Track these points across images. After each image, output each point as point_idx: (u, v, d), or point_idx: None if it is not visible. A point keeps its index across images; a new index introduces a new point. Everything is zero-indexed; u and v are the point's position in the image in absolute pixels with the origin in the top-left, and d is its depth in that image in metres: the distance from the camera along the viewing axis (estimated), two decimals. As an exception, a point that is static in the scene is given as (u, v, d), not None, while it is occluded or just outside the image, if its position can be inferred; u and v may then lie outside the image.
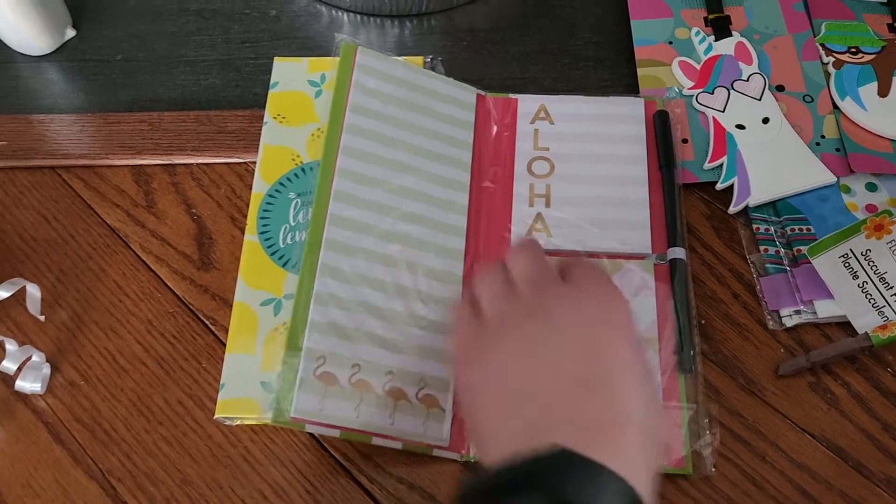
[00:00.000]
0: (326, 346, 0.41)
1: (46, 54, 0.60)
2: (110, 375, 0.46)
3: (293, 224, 0.49)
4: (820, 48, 0.55)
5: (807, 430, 0.43)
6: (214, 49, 0.60)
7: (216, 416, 0.43)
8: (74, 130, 0.56)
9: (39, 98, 0.58)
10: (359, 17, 0.62)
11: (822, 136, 0.52)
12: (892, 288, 0.44)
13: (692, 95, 0.54)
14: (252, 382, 0.44)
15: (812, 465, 0.42)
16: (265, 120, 0.53)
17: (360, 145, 0.48)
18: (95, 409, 0.45)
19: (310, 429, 0.40)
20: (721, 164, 0.51)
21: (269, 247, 0.48)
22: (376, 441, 0.41)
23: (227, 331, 0.46)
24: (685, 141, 0.53)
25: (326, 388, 0.40)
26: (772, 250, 0.48)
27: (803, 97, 0.53)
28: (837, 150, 0.51)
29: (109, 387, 0.46)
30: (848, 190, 0.50)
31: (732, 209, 0.50)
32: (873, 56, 0.55)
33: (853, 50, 0.55)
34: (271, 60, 0.57)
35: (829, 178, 0.50)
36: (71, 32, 0.61)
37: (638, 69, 0.56)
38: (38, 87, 0.59)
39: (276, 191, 0.50)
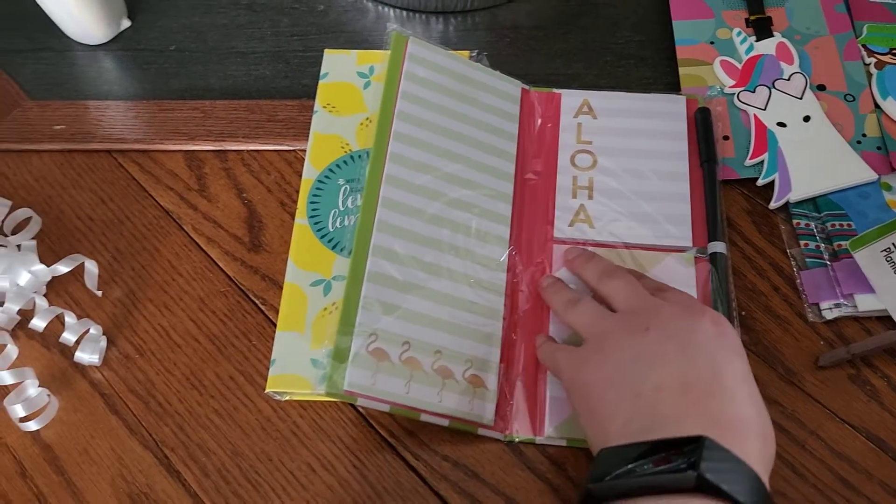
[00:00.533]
0: (379, 324, 0.42)
1: (103, 43, 0.62)
2: (164, 350, 0.47)
3: (342, 209, 0.50)
4: (862, 49, 0.56)
5: (846, 420, 0.44)
6: (264, 41, 0.62)
7: (266, 391, 0.44)
8: (129, 116, 0.58)
9: (96, 85, 0.60)
10: (405, 13, 0.64)
11: (864, 135, 0.52)
12: (933, 283, 0.45)
13: (734, 94, 0.55)
14: (302, 359, 0.45)
15: (852, 454, 0.43)
16: (315, 109, 0.55)
17: (411, 132, 0.49)
18: (150, 381, 0.46)
19: (361, 402, 0.41)
20: (762, 161, 0.52)
21: (319, 230, 0.50)
22: (424, 418, 0.42)
23: (276, 311, 0.47)
24: (726, 138, 0.53)
25: (378, 364, 0.41)
26: (812, 245, 0.49)
27: (844, 96, 0.54)
28: (879, 148, 0.52)
29: (163, 361, 0.47)
30: (889, 188, 0.50)
31: (773, 205, 0.51)
32: (915, 58, 0.55)
33: (895, 51, 0.56)
34: (319, 53, 0.59)
35: (871, 175, 0.50)
36: (126, 23, 0.63)
37: (679, 68, 0.57)
38: (94, 75, 0.61)
39: (326, 177, 0.52)
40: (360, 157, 0.52)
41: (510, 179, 0.51)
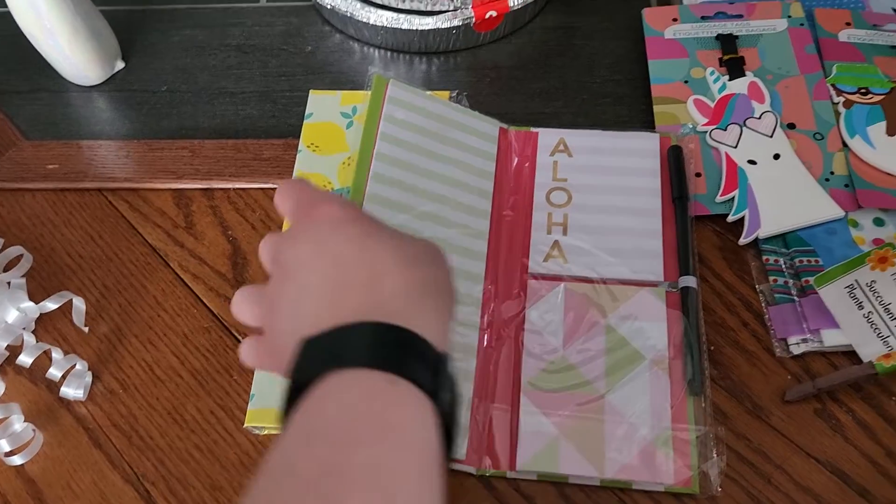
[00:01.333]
0: None
1: (97, 84, 0.64)
2: (147, 385, 0.49)
3: None
4: (831, 88, 0.58)
5: (812, 454, 0.44)
6: (253, 82, 0.64)
7: (246, 426, 0.46)
8: (121, 155, 0.59)
9: (89, 125, 0.62)
10: (389, 53, 0.66)
11: (832, 173, 0.54)
12: (896, 318, 0.46)
13: (706, 132, 0.56)
14: (280, 393, 0.46)
15: (816, 489, 0.43)
16: (300, 148, 0.56)
17: (389, 172, 0.51)
18: (133, 416, 0.48)
19: None
20: (732, 198, 0.53)
21: None
22: None
23: (257, 346, 0.49)
24: (698, 175, 0.55)
25: None
26: (780, 280, 0.50)
27: (814, 135, 0.56)
28: (846, 185, 0.53)
29: (146, 396, 0.48)
30: (856, 224, 0.52)
31: (743, 241, 0.52)
32: (882, 97, 0.57)
33: (863, 91, 0.57)
34: (306, 93, 0.61)
35: (838, 212, 0.51)
36: (120, 64, 0.65)
37: (654, 106, 0.59)
38: (88, 115, 0.63)
39: None
40: (341, 195, 0.54)
41: (486, 217, 0.52)
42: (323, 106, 0.59)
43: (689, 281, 0.49)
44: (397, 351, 0.28)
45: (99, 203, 0.57)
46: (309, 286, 0.32)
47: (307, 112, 0.58)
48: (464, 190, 0.52)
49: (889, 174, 0.53)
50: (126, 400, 0.48)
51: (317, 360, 0.29)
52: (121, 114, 0.63)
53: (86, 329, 0.50)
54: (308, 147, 0.56)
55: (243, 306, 0.35)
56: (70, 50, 0.61)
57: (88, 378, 0.48)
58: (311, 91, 0.59)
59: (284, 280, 0.33)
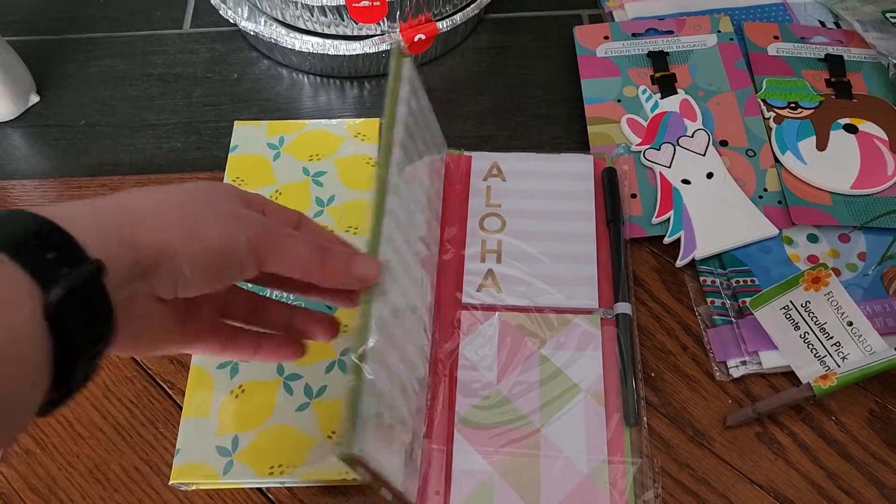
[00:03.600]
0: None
1: (10, 120, 0.61)
2: (66, 443, 0.46)
3: (251, 286, 0.50)
4: (761, 104, 0.58)
5: (755, 480, 0.44)
6: (176, 112, 0.62)
7: (171, 482, 0.43)
8: (36, 196, 0.56)
9: (2, 164, 0.59)
10: (319, 78, 0.64)
11: (765, 190, 0.54)
12: (832, 338, 0.46)
13: (640, 151, 0.56)
14: (207, 446, 0.44)
15: (760, 515, 0.43)
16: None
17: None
18: (51, 477, 0.45)
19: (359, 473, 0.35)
20: (668, 219, 0.52)
21: None
22: (383, 492, 0.38)
23: (184, 394, 0.46)
24: (634, 196, 0.54)
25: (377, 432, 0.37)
26: (718, 302, 0.50)
27: (746, 152, 0.55)
28: (779, 202, 0.53)
29: (66, 454, 0.46)
30: (790, 241, 0.52)
31: (679, 262, 0.51)
32: (811, 111, 0.57)
33: (793, 105, 0.57)
34: (232, 123, 0.59)
35: (772, 230, 0.51)
36: (35, 98, 0.62)
37: (588, 127, 0.58)
38: (1, 154, 0.59)
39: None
40: None
41: (437, 243, 0.51)
42: (249, 137, 0.57)
43: (624, 307, 0.48)
44: (29, 239, 0.26)
45: (13, 248, 0.54)
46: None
47: (232, 144, 0.56)
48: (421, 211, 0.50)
49: (820, 189, 0.53)
50: (44, 460, 0.45)
51: None
52: (36, 151, 0.60)
53: (-2, 386, 0.47)
54: (234, 181, 0.54)
55: None
56: (-22, 86, 0.58)
57: (1, 439, 0.45)
58: (235, 122, 0.57)
59: None
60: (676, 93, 0.58)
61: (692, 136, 0.56)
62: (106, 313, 0.28)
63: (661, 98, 0.58)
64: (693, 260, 0.51)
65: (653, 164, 0.55)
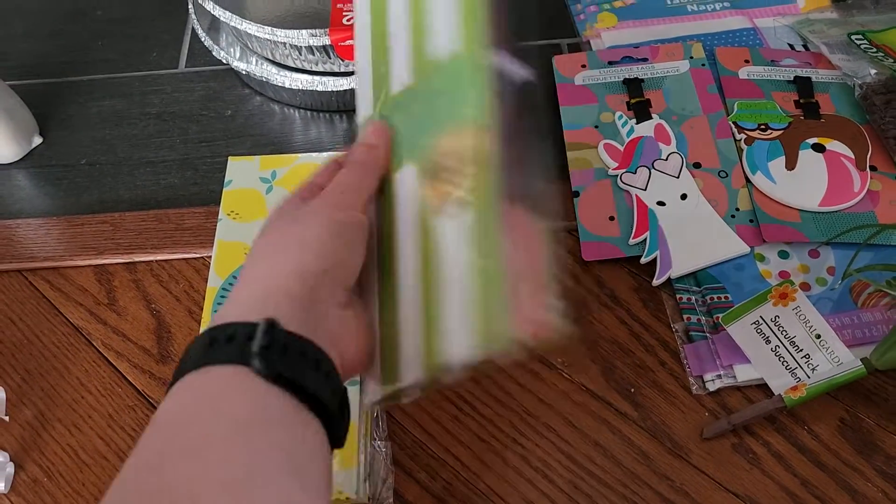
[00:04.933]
0: None
1: (14, 162, 0.64)
2: (73, 471, 0.48)
3: None
4: (733, 126, 0.60)
5: (732, 490, 0.46)
6: (173, 149, 0.64)
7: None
8: (40, 234, 0.59)
9: (7, 204, 0.61)
10: (309, 113, 0.67)
11: (737, 209, 0.56)
12: (801, 350, 0.48)
13: (617, 175, 0.58)
14: None
15: (738, 523, 0.45)
16: (220, 217, 0.57)
17: None
18: (58, 504, 0.47)
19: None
20: (644, 240, 0.55)
21: None
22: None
23: (184, 421, 0.48)
24: (612, 218, 0.56)
25: None
26: (694, 319, 0.52)
27: (718, 173, 0.58)
28: (751, 221, 0.55)
29: (72, 482, 0.48)
30: (762, 258, 0.54)
31: (656, 282, 0.53)
32: (781, 132, 0.59)
33: (763, 127, 0.60)
34: (226, 158, 0.61)
35: (744, 248, 0.53)
36: (38, 140, 0.65)
37: (567, 152, 0.60)
38: (5, 194, 0.62)
39: (230, 283, 0.53)
40: None
41: None
42: (242, 172, 0.59)
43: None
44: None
45: (19, 284, 0.57)
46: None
47: (226, 179, 0.59)
48: None
49: (790, 207, 0.55)
50: (51, 489, 0.48)
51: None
52: (40, 190, 0.63)
53: (6, 418, 0.50)
54: (228, 215, 0.57)
55: None
56: (-17, 130, 0.60)
57: (10, 469, 0.48)
58: (229, 158, 0.60)
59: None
60: (651, 118, 0.61)
61: (666, 159, 0.58)
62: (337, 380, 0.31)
63: (637, 123, 0.61)
64: (669, 278, 0.53)
65: (629, 186, 0.57)
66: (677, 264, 0.53)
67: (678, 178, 0.57)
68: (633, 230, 0.55)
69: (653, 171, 0.58)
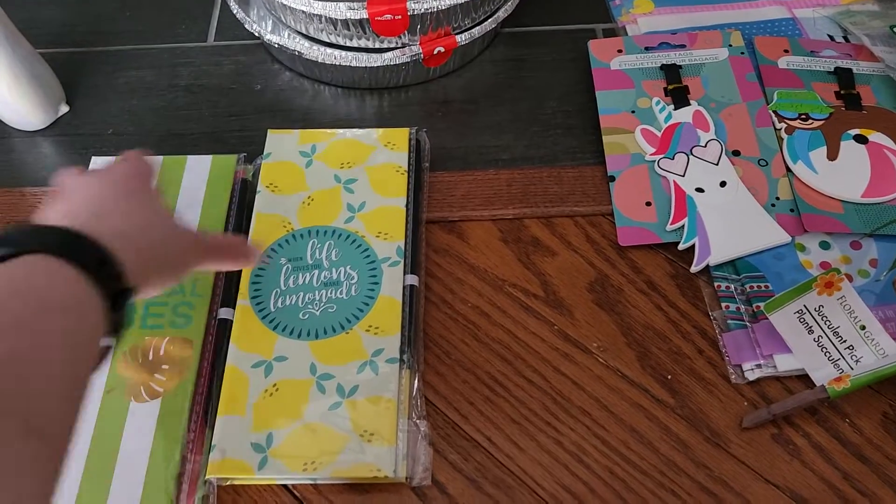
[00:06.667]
0: None
1: (40, 129, 0.63)
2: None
3: (283, 289, 0.51)
4: (773, 115, 0.59)
5: (771, 480, 0.45)
6: (202, 122, 0.64)
7: (207, 477, 0.44)
8: (66, 202, 0.58)
9: (33, 171, 0.61)
10: (339, 90, 0.66)
11: (777, 198, 0.55)
12: (845, 342, 0.47)
13: (654, 161, 0.57)
14: (243, 443, 0.45)
15: (777, 515, 0.44)
16: (258, 189, 0.56)
17: None
18: None
19: None
20: (682, 226, 0.54)
21: (261, 311, 0.50)
22: None
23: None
24: (648, 204, 0.55)
25: None
26: (733, 307, 0.51)
27: (758, 161, 0.57)
28: (792, 210, 0.54)
29: None
30: (803, 248, 0.53)
31: (694, 268, 0.52)
32: (822, 122, 0.58)
33: (803, 116, 0.59)
34: (256, 132, 0.61)
35: (784, 237, 0.52)
36: (64, 108, 0.64)
37: (603, 137, 0.59)
38: (31, 161, 0.61)
39: (268, 256, 0.52)
40: (301, 236, 0.53)
41: None
42: (281, 145, 0.58)
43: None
44: (74, 246, 0.33)
45: (44, 252, 0.56)
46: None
47: (265, 151, 0.58)
48: None
49: (832, 198, 0.54)
50: None
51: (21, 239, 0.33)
52: (66, 159, 0.62)
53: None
54: (267, 187, 0.56)
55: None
56: (11, 96, 0.59)
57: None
58: (269, 130, 0.59)
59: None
60: (689, 104, 0.60)
61: (705, 146, 0.57)
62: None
63: (675, 109, 0.60)
64: (707, 266, 0.52)
65: (667, 172, 0.56)
66: (716, 252, 0.52)
67: (717, 165, 0.56)
68: (671, 216, 0.54)
69: (691, 157, 0.57)
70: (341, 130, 0.59)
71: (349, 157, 0.57)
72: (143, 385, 0.47)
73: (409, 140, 0.58)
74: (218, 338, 0.49)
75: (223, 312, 0.50)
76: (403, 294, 0.50)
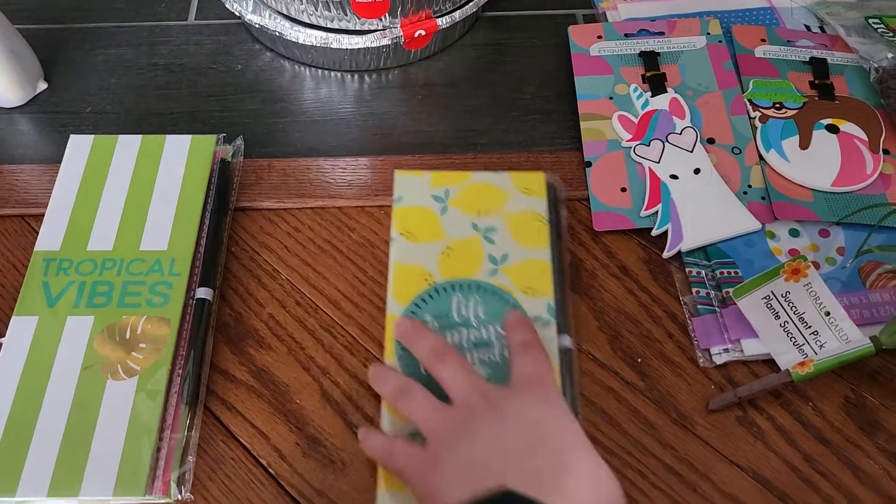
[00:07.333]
0: None
1: (18, 106, 0.63)
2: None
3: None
4: (748, 104, 0.60)
5: (735, 461, 0.46)
6: (181, 101, 0.63)
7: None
8: (44, 180, 0.58)
9: (10, 149, 0.60)
10: (320, 71, 0.66)
11: (749, 186, 0.56)
12: (810, 327, 0.48)
13: (630, 147, 0.58)
14: None
15: (740, 495, 0.45)
16: (393, 236, 0.52)
17: None
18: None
19: None
20: (656, 212, 0.55)
21: (410, 374, 0.46)
22: None
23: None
24: (624, 190, 0.56)
25: None
26: (703, 292, 0.52)
27: (732, 149, 0.58)
28: (763, 198, 0.55)
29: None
30: (773, 235, 0.54)
31: (666, 254, 0.53)
32: (795, 111, 0.59)
33: (777, 105, 0.60)
34: (236, 113, 0.61)
35: (755, 224, 0.53)
36: (43, 85, 0.64)
37: (581, 122, 0.60)
38: (8, 138, 0.61)
39: (413, 311, 0.49)
40: (444, 290, 0.50)
41: None
42: (412, 189, 0.54)
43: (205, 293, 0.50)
44: None
45: (21, 230, 0.56)
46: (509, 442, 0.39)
47: (396, 195, 0.54)
48: None
49: (802, 186, 0.55)
50: None
51: None
52: (44, 136, 0.61)
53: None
54: (402, 235, 0.52)
55: (383, 383, 0.45)
56: (-12, 72, 0.59)
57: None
58: (396, 172, 0.55)
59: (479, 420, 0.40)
60: (666, 91, 0.61)
61: (681, 133, 0.58)
62: None
63: (652, 96, 0.60)
64: (679, 252, 0.53)
65: (642, 159, 0.57)
66: (688, 238, 0.53)
67: (692, 152, 0.57)
68: (646, 202, 0.55)
69: (667, 144, 0.58)
70: (474, 174, 0.55)
71: (485, 204, 0.53)
72: (119, 363, 0.48)
73: (546, 186, 0.55)
74: (196, 318, 0.50)
75: (201, 292, 0.51)
76: (561, 358, 0.47)
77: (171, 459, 0.45)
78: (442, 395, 0.43)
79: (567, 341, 0.49)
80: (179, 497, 0.44)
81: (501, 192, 0.54)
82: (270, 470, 0.46)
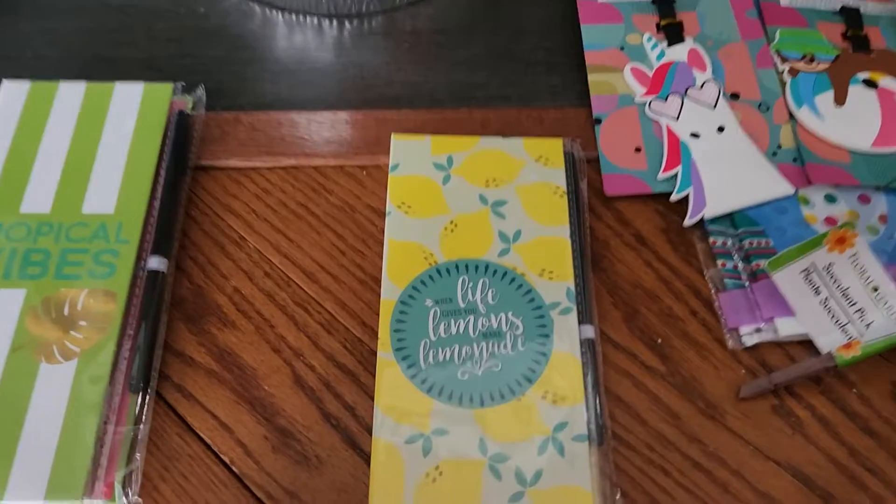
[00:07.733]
0: None
1: (-54, 50, 0.55)
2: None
3: (434, 339, 0.41)
4: (775, 55, 0.54)
5: (771, 456, 0.40)
6: (136, 47, 0.56)
7: None
8: (-27, 133, 0.50)
9: (-65, 97, 0.52)
10: (294, 16, 0.58)
11: (779, 146, 0.50)
12: (854, 304, 0.42)
13: (645, 102, 0.51)
14: None
15: (778, 495, 0.39)
16: (388, 209, 0.46)
17: None
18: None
19: None
20: (675, 175, 0.48)
21: (409, 367, 0.41)
22: None
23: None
24: (638, 150, 0.50)
25: None
26: (729, 264, 0.46)
27: (759, 105, 0.51)
28: (795, 160, 0.49)
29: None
30: (807, 201, 0.48)
31: (688, 222, 0.47)
32: (828, 64, 0.53)
33: (808, 57, 0.53)
34: (197, 60, 0.53)
35: (788, 189, 0.47)
36: (-26, 27, 0.56)
37: (589, 75, 0.53)
38: (-67, 86, 0.53)
39: (410, 296, 0.43)
40: (448, 271, 0.44)
41: None
42: (410, 154, 0.48)
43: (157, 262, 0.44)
44: None
45: (-55, 189, 0.48)
46: None
47: (392, 162, 0.48)
48: None
49: (839, 147, 0.49)
50: None
51: None
52: (-24, 84, 0.53)
53: None
54: (399, 207, 0.46)
55: None
56: None
57: None
58: (393, 135, 0.49)
59: None
60: (684, 41, 0.54)
61: (701, 88, 0.52)
62: None
63: (668, 46, 0.54)
64: (702, 219, 0.47)
65: (659, 115, 0.51)
66: (712, 204, 0.47)
67: (714, 108, 0.51)
68: (663, 164, 0.49)
69: (686, 99, 0.51)
70: (482, 139, 0.49)
71: (495, 173, 0.47)
72: (56, 344, 0.40)
73: (565, 156, 0.49)
74: (147, 291, 0.43)
75: (153, 262, 0.43)
76: (582, 350, 0.42)
77: (116, 457, 0.38)
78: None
79: (590, 331, 0.42)
80: (126, 501, 0.37)
81: (513, 160, 0.48)
82: (234, 468, 0.39)
